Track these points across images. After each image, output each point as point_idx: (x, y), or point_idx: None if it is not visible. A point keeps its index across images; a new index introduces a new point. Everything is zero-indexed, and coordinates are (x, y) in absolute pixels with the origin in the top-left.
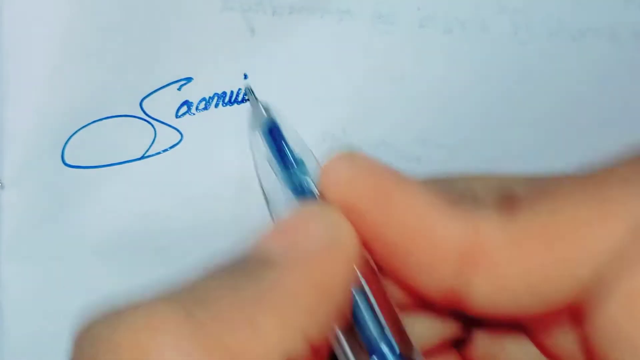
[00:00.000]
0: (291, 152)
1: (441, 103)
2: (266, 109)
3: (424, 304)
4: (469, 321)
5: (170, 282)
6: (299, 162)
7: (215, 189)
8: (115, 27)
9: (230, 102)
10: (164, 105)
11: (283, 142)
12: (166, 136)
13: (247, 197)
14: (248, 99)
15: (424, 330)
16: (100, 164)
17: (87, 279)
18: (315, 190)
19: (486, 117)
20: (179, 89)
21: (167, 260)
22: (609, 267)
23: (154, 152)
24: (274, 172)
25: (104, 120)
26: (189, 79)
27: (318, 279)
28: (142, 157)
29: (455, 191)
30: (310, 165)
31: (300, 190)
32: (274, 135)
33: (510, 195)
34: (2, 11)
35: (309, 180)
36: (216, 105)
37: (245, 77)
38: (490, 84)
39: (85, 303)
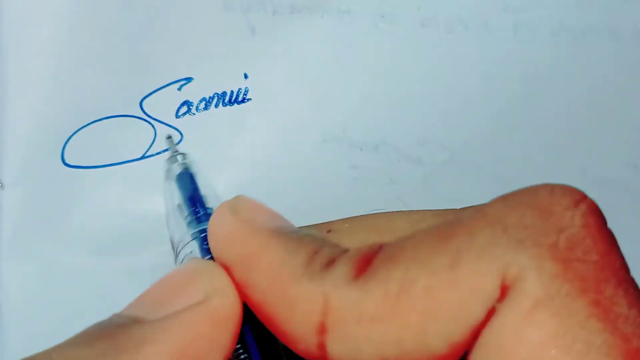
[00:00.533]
0: (203, 204)
1: (442, 103)
2: (183, 159)
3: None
4: None
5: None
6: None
7: (216, 189)
8: (115, 27)
9: (231, 102)
10: (164, 105)
11: (196, 193)
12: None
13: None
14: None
15: None
16: (100, 164)
17: (87, 279)
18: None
19: (487, 117)
20: (179, 89)
21: (166, 261)
22: (464, 333)
23: (154, 152)
24: (184, 222)
25: (104, 120)
26: (189, 79)
27: (183, 344)
28: (142, 157)
29: (317, 248)
30: None
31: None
32: (186, 185)
33: (371, 252)
34: (2, 11)
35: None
36: (216, 105)
37: (246, 76)
38: (491, 83)
39: (85, 303)
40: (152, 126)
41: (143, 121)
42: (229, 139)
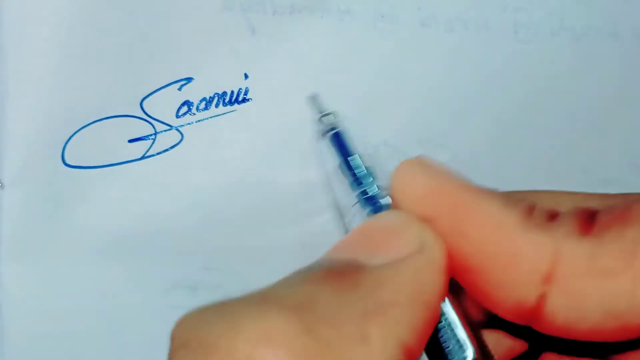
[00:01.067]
0: (360, 160)
1: (443, 103)
2: (334, 118)
3: (496, 319)
4: (539, 341)
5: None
6: (369, 171)
7: (216, 189)
8: (115, 27)
9: (231, 102)
10: (164, 105)
11: (351, 152)
12: (166, 136)
13: (246, 197)
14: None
15: (493, 345)
16: (100, 164)
17: (87, 279)
18: (388, 200)
19: (488, 117)
20: (179, 89)
21: (167, 260)
22: None
23: (154, 153)
24: (345, 181)
25: (104, 121)
26: (189, 79)
27: (415, 287)
28: (142, 158)
29: (532, 204)
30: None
31: (372, 200)
32: (341, 145)
33: (589, 212)
34: (2, 11)
35: (380, 190)
36: (217, 105)
37: (246, 77)
38: (492, 83)
39: (85, 303)
40: (153, 126)
41: (143, 121)
42: (229, 138)
